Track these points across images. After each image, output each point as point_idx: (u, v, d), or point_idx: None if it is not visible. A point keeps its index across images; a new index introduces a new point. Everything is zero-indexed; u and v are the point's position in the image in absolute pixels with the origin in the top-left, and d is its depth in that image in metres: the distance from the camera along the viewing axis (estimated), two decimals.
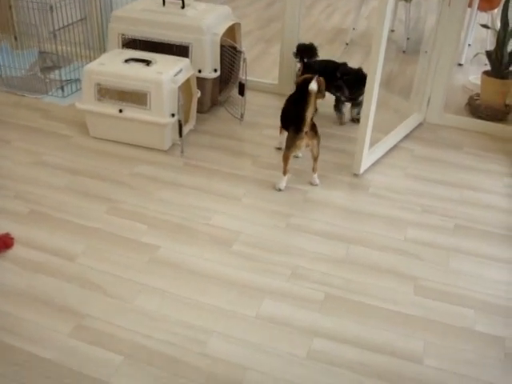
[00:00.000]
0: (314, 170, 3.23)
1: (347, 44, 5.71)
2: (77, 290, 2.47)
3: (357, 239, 2.87)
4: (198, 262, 2.64)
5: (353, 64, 3.94)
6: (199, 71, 3.80)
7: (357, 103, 3.91)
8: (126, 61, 3.60)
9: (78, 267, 2.61)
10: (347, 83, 3.73)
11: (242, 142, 3.77)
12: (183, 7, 3.86)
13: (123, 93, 3.47)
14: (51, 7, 4.03)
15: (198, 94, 3.75)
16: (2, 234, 2.80)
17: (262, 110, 4.21)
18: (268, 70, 4.87)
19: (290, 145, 3.05)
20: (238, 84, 3.84)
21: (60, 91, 4.40)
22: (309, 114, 2.89)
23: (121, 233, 2.85)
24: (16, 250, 2.70)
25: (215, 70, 3.85)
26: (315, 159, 3.18)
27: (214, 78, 3.91)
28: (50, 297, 2.44)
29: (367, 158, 3.40)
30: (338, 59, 4.03)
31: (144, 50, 3.80)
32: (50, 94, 4.40)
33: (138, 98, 3.47)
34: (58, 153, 3.56)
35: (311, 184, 3.27)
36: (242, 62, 3.90)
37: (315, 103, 2.90)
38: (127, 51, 3.78)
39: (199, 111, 3.87)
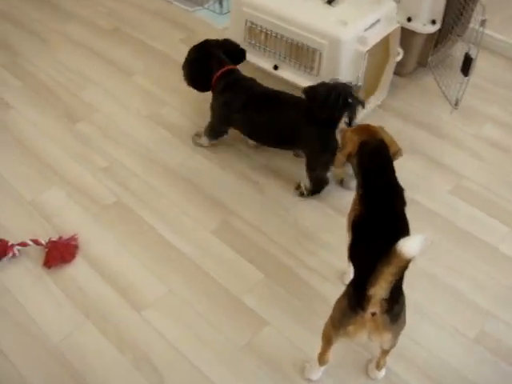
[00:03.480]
0: (378, 365, 1.66)
1: None
2: None
3: None
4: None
5: None
6: (408, 20, 2.44)
7: None
8: None
9: None
10: None
11: (446, 144, 2.45)
12: None
13: (284, 42, 2.28)
14: None
15: (399, 56, 2.44)
16: (64, 240, 1.97)
17: (493, 90, 2.76)
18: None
19: (337, 322, 1.46)
20: (464, 56, 2.42)
21: (218, 4, 3.29)
22: (382, 283, 1.30)
23: None
24: None
25: (433, 22, 2.46)
26: (384, 353, 1.62)
27: (430, 34, 2.53)
28: None
29: None
30: None
31: None
32: (206, 6, 3.31)
33: (303, 54, 2.27)
34: None
35: (369, 377, 1.71)
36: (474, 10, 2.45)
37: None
38: None
39: (396, 73, 2.56)
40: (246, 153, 2.39)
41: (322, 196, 2.20)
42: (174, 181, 2.28)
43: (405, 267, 1.27)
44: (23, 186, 2.27)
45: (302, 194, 2.21)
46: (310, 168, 2.13)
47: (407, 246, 1.21)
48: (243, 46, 2.37)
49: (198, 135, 2.41)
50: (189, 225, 2.11)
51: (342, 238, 1.74)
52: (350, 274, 1.67)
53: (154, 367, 1.71)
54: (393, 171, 1.59)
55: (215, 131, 2.32)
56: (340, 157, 1.70)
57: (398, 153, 1.67)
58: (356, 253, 1.53)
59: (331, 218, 2.13)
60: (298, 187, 2.21)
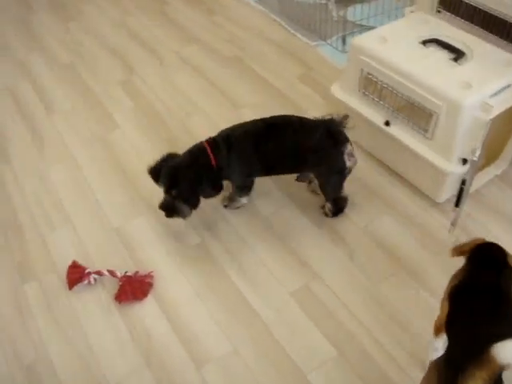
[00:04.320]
0: None
1: None
2: None
3: None
4: None
5: None
6: None
7: None
8: (425, 42, 2.17)
9: None
10: None
11: None
12: None
13: (400, 98, 2.10)
14: None
15: None
16: (140, 276, 1.96)
17: None
18: None
19: None
20: None
21: (340, 41, 3.16)
22: None
23: None
24: None
25: None
26: None
27: None
28: None
29: None
30: None
31: (468, 20, 2.27)
32: (329, 42, 3.19)
33: (418, 114, 2.08)
34: None
35: None
36: None
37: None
38: (436, 21, 2.31)
39: None
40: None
41: (420, 278, 1.98)
42: (263, 232, 2.16)
43: (500, 372, 1.10)
44: (113, 212, 2.26)
45: (326, 215, 2.18)
46: (323, 189, 2.12)
47: (505, 353, 1.05)
48: (357, 95, 2.22)
49: (231, 200, 2.24)
50: (269, 282, 1.99)
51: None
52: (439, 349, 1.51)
53: None
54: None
55: (245, 186, 2.18)
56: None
57: None
58: (452, 325, 1.37)
59: (426, 304, 1.91)
60: (323, 207, 2.18)
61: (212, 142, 2.02)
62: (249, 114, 2.69)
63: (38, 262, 2.10)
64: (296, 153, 2.01)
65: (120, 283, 1.97)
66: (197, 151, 2.01)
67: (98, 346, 1.84)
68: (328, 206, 2.16)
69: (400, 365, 1.74)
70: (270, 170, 2.12)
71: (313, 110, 2.67)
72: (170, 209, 2.02)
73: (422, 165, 2.13)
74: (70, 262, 2.03)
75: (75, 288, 2.00)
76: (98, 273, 2.00)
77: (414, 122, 2.10)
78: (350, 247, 2.08)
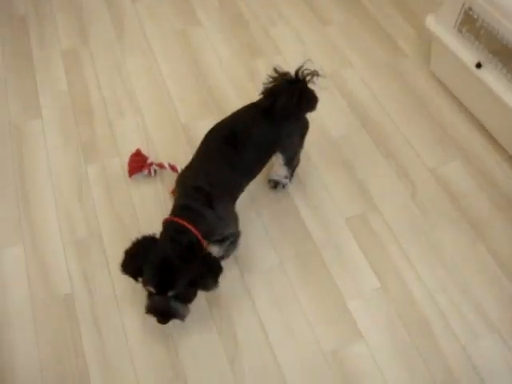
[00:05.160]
0: None
1: None
2: None
3: None
4: None
5: None
6: None
7: None
8: None
9: None
10: None
11: None
12: None
13: (498, 41, 1.97)
14: None
15: None
16: None
17: None
18: None
19: None
20: None
21: None
22: None
23: None
24: None
25: None
26: None
27: None
28: None
29: None
30: None
31: None
32: None
33: None
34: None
35: None
36: None
37: None
38: None
39: None
40: None
41: (480, 230, 1.92)
42: (330, 155, 2.12)
43: None
44: (183, 108, 2.26)
45: (283, 186, 1.97)
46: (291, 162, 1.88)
47: None
48: (452, 31, 2.09)
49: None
50: (328, 206, 1.97)
51: None
52: None
53: None
54: None
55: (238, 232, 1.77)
56: None
57: None
58: None
59: (481, 257, 1.86)
60: (276, 186, 1.96)
61: (185, 213, 1.58)
62: (334, 34, 2.59)
63: (102, 146, 2.13)
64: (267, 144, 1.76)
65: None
66: (178, 234, 1.55)
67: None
68: (282, 176, 1.93)
69: (442, 311, 1.72)
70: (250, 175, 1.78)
71: (401, 39, 2.55)
72: (165, 313, 1.55)
73: (507, 115, 2.02)
74: (133, 150, 2.05)
75: (134, 176, 2.03)
76: (160, 165, 2.02)
77: (508, 69, 1.97)
78: (414, 185, 2.03)
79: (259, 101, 1.77)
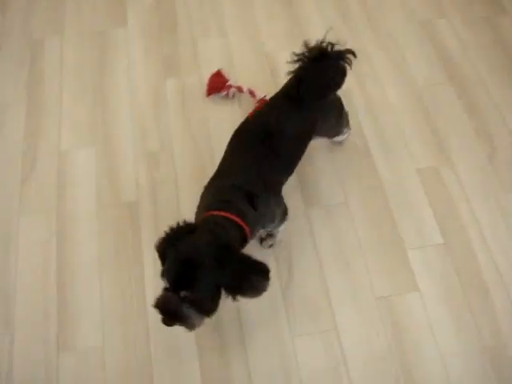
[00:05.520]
0: None
1: None
2: None
3: None
4: None
5: None
6: None
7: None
8: None
9: None
10: None
11: None
12: None
13: None
14: None
15: None
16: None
17: None
18: None
19: None
20: None
21: None
22: None
23: None
24: None
25: None
26: None
27: None
28: None
29: None
30: None
31: None
32: None
33: None
34: None
35: None
36: None
37: None
38: None
39: None
40: None
41: None
42: (412, 102, 2.07)
43: None
44: (267, 37, 2.22)
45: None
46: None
47: None
48: None
49: (270, 236, 1.71)
50: (402, 152, 1.93)
51: None
52: None
53: None
54: None
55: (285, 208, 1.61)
56: None
57: None
58: None
59: None
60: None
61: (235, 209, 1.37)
62: None
63: (184, 62, 2.14)
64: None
65: (256, 104, 1.97)
66: (221, 228, 1.33)
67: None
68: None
69: (502, 277, 1.69)
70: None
71: None
72: (171, 314, 1.27)
73: None
74: (214, 70, 2.04)
75: (212, 96, 2.03)
76: (239, 88, 2.01)
77: None
78: (493, 147, 1.96)
79: (286, 87, 1.61)
